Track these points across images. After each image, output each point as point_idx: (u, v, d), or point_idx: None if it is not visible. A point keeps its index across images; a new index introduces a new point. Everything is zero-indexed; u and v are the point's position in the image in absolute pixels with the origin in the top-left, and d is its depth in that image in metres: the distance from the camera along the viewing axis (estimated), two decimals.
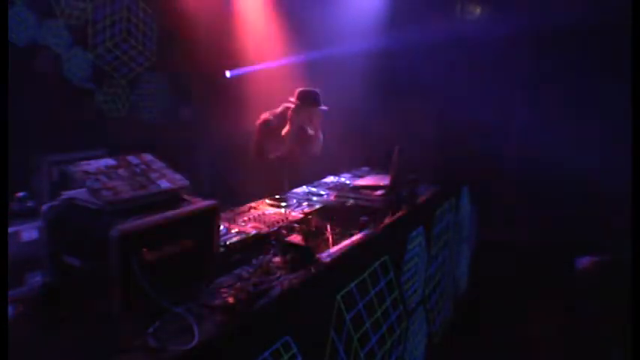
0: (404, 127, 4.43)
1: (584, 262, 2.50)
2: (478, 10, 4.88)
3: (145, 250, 1.42)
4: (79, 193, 1.52)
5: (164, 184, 1.65)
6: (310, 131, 3.48)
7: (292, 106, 3.39)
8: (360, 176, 3.54)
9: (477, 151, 4.31)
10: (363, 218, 2.47)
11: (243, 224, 2.25)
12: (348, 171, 3.70)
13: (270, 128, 3.39)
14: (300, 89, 3.41)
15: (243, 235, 2.03)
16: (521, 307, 3.88)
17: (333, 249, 2.03)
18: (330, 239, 2.14)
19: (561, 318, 3.48)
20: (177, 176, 1.74)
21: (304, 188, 3.23)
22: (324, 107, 3.39)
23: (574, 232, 3.90)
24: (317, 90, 3.40)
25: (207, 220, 1.67)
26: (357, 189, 2.98)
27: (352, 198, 2.77)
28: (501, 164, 4.36)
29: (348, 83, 4.68)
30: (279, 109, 3.47)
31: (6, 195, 1.41)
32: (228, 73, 5.18)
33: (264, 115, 3.46)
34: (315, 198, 2.92)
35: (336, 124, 4.54)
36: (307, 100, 3.38)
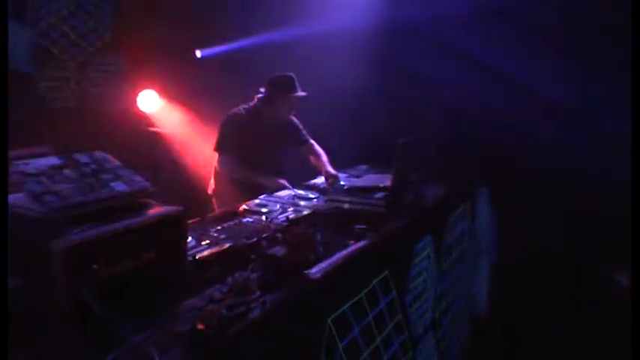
0: (409, 117, 4.44)
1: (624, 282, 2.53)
2: None
3: (96, 266, 1.43)
4: (17, 199, 1.52)
5: (119, 186, 1.66)
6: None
7: (264, 96, 3.48)
8: (357, 176, 3.56)
9: (497, 145, 4.32)
10: (360, 226, 2.49)
11: (215, 235, 2.26)
12: (342, 170, 3.72)
13: (241, 125, 3.45)
14: (273, 75, 3.50)
15: (216, 248, 2.04)
16: (552, 331, 3.90)
17: (324, 263, 2.05)
18: (321, 252, 2.15)
19: (598, 343, 3.50)
20: (136, 177, 1.75)
21: (289, 191, 3.25)
22: (301, 93, 3.47)
23: (616, 242, 3.92)
24: (292, 74, 3.47)
25: (172, 229, 1.68)
26: (352, 191, 3.00)
27: (347, 202, 2.79)
28: (528, 160, 4.38)
29: (341, 66, 4.69)
30: (251, 103, 3.56)
31: (6, 195, 1.43)
32: (198, 53, 5.19)
33: (235, 110, 3.53)
34: (302, 202, 2.94)
35: (327, 114, 4.56)
36: (282, 86, 3.46)
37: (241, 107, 3.58)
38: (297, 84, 3.50)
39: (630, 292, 1.83)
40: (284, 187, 3.31)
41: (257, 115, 3.54)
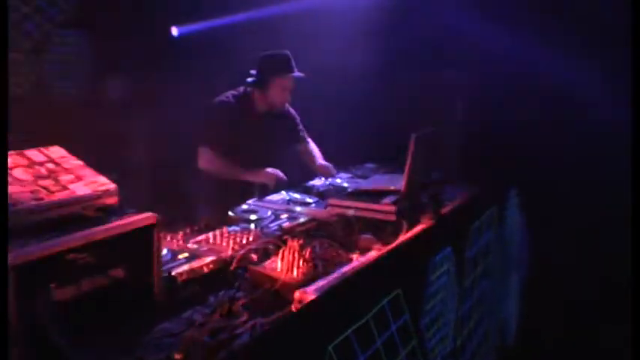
0: (425, 107, 4.44)
1: None
2: None
3: (54, 285, 1.42)
4: None
5: (81, 189, 1.66)
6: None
7: (255, 79, 3.49)
8: (363, 176, 3.56)
9: (530, 139, 4.32)
10: (367, 236, 2.49)
11: (195, 246, 2.26)
12: (345, 169, 3.72)
13: (230, 115, 3.46)
14: (265, 54, 3.50)
15: (196, 263, 2.04)
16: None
17: (324, 280, 2.04)
18: (320, 267, 2.15)
19: None
20: (101, 178, 1.75)
21: (284, 194, 3.24)
22: (299, 74, 3.48)
23: None
24: (286, 52, 3.48)
25: (144, 240, 1.68)
26: (358, 195, 3.00)
27: (351, 207, 2.79)
28: (568, 157, 4.38)
29: (341, 45, 4.69)
30: (240, 89, 3.56)
31: (6, 196, 1.46)
32: (175, 31, 5.18)
33: (222, 97, 3.54)
34: (298, 208, 2.93)
35: (328, 103, 4.55)
36: (275, 67, 3.47)
37: (229, 94, 3.58)
38: (293, 63, 3.51)
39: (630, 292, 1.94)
40: (278, 179, 3.32)
41: (249, 104, 3.55)
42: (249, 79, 3.56)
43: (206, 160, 3.46)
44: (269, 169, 3.41)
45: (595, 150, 4.28)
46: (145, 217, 1.68)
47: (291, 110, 3.80)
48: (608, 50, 4.29)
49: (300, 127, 3.84)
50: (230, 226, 2.60)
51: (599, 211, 4.35)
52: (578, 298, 4.24)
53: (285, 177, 3.37)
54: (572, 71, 4.36)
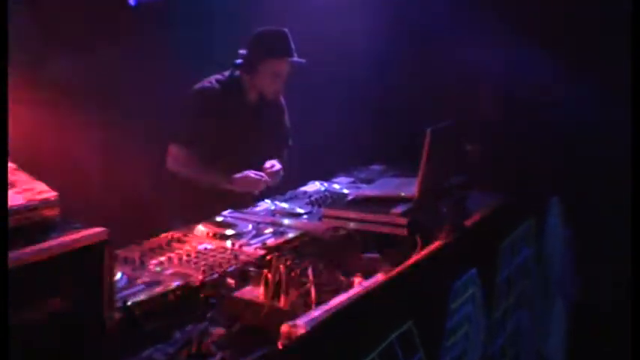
0: (444, 96, 4.45)
1: None
2: None
3: None
4: None
5: (13, 198, 1.66)
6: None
7: (243, 61, 3.49)
8: (368, 180, 3.56)
9: (573, 137, 4.34)
10: (372, 255, 2.49)
11: (158, 269, 2.26)
12: (345, 172, 3.73)
13: (214, 105, 3.46)
14: (259, 31, 3.50)
15: (159, 289, 2.04)
16: None
17: (318, 311, 2.04)
18: (313, 294, 2.15)
19: None
20: (39, 185, 1.75)
21: (268, 203, 3.25)
22: (297, 59, 3.48)
23: None
24: (284, 30, 3.48)
25: (92, 262, 1.68)
26: (360, 203, 3.00)
27: (352, 220, 2.79)
28: (619, 160, 4.40)
29: (344, 23, 4.70)
30: (226, 73, 3.56)
31: (5, 197, 1.51)
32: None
33: (203, 84, 3.54)
34: (287, 221, 2.93)
35: (328, 92, 4.56)
36: (267, 47, 3.47)
37: (213, 79, 3.58)
38: (290, 44, 3.50)
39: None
40: (253, 184, 3.33)
41: (237, 91, 3.55)
42: (237, 61, 3.55)
43: (176, 161, 3.45)
44: (250, 173, 3.40)
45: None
46: (94, 233, 1.68)
47: (285, 114, 3.82)
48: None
49: (289, 132, 3.86)
50: (200, 243, 2.60)
51: (605, 213, 4.40)
52: (584, 302, 4.28)
53: (260, 176, 3.38)
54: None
